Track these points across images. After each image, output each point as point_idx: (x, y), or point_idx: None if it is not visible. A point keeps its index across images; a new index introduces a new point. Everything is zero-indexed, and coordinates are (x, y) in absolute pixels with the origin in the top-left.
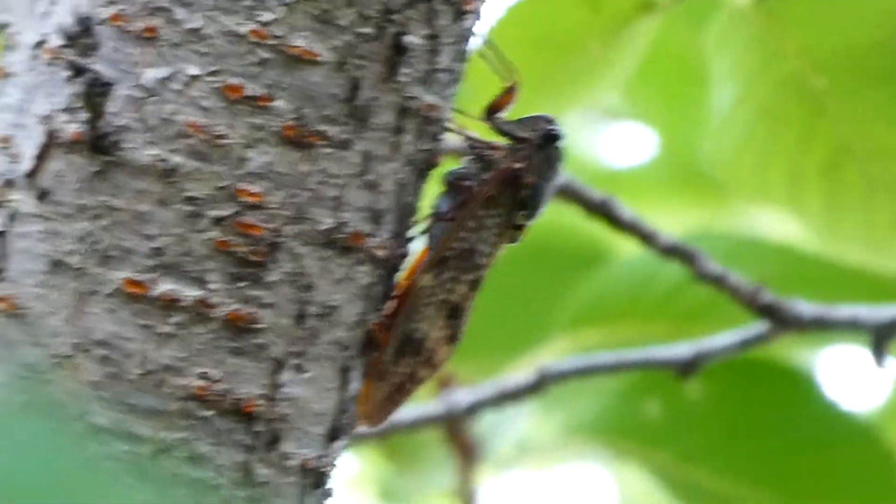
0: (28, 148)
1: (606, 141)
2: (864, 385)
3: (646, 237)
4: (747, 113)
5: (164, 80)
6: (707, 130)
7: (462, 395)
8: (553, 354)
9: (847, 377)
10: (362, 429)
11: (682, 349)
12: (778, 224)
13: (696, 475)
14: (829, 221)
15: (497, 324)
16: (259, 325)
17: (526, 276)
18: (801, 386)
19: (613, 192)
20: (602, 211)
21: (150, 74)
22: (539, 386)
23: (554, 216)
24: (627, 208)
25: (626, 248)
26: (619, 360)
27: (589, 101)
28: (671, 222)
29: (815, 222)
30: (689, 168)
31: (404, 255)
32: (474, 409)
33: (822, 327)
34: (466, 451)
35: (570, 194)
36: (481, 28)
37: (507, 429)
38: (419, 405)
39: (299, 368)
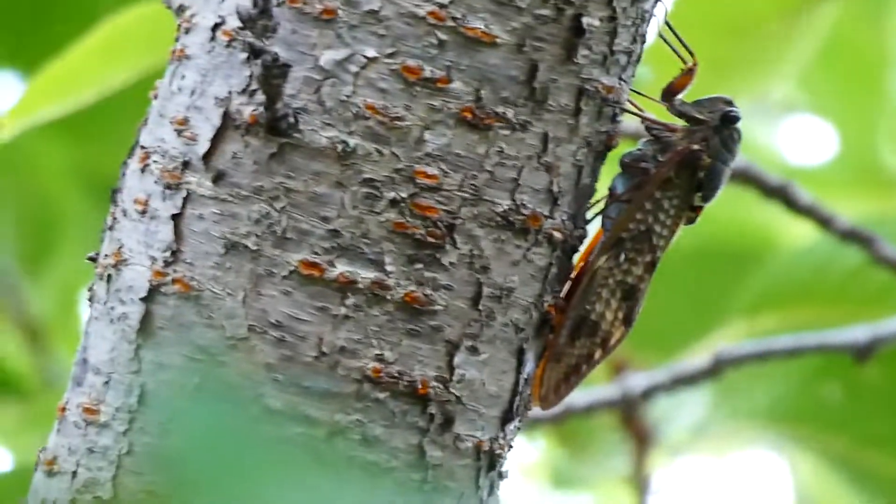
0: (204, 130)
1: (784, 135)
2: None
3: (823, 221)
4: None
5: (342, 62)
6: (886, 117)
7: (637, 380)
8: (730, 339)
9: None
10: (537, 411)
11: (858, 333)
12: None
13: (874, 461)
14: None
15: (674, 309)
16: (435, 307)
17: (703, 262)
18: None
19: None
20: (780, 195)
21: (328, 56)
22: (715, 371)
23: (732, 200)
24: (805, 192)
25: (801, 236)
26: (795, 344)
27: (767, 86)
28: (849, 215)
29: None
30: (868, 161)
31: (582, 237)
32: (649, 393)
33: None
34: (641, 437)
35: (749, 178)
36: (660, 9)
37: (681, 414)
38: (594, 389)
39: (474, 350)
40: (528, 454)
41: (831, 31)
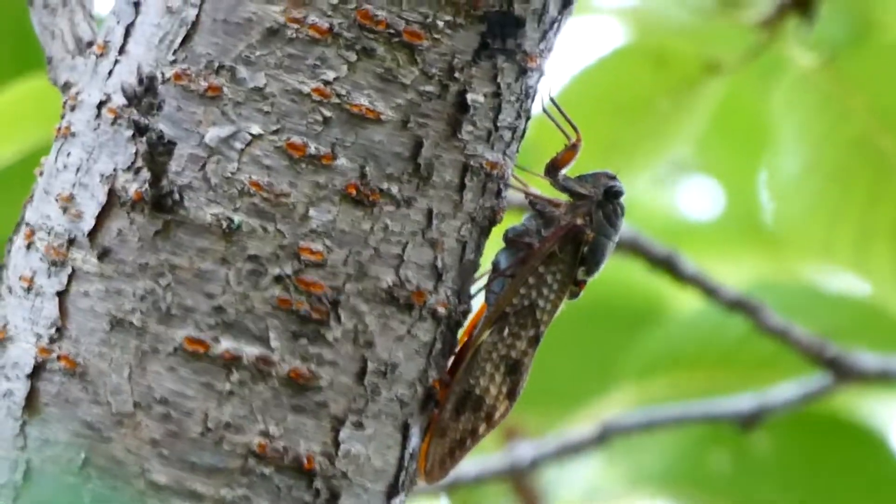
0: (90, 207)
1: (678, 193)
2: None
3: (709, 291)
4: (816, 178)
5: (227, 139)
6: (775, 192)
7: (525, 449)
8: (618, 405)
9: None
10: (422, 485)
11: (745, 402)
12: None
13: None
14: None
15: (562, 375)
16: (320, 383)
17: (591, 329)
18: (869, 441)
19: (682, 243)
20: (666, 265)
21: (213, 133)
22: (602, 439)
23: (619, 269)
24: (691, 263)
25: (691, 302)
26: (682, 413)
27: (658, 161)
28: (737, 273)
29: (884, 284)
30: (756, 221)
31: (466, 312)
32: (537, 462)
33: (886, 379)
34: (532, 502)
35: (635, 248)
36: (545, 85)
37: (573, 478)
38: (483, 459)
39: (359, 425)
40: None
41: (724, 98)
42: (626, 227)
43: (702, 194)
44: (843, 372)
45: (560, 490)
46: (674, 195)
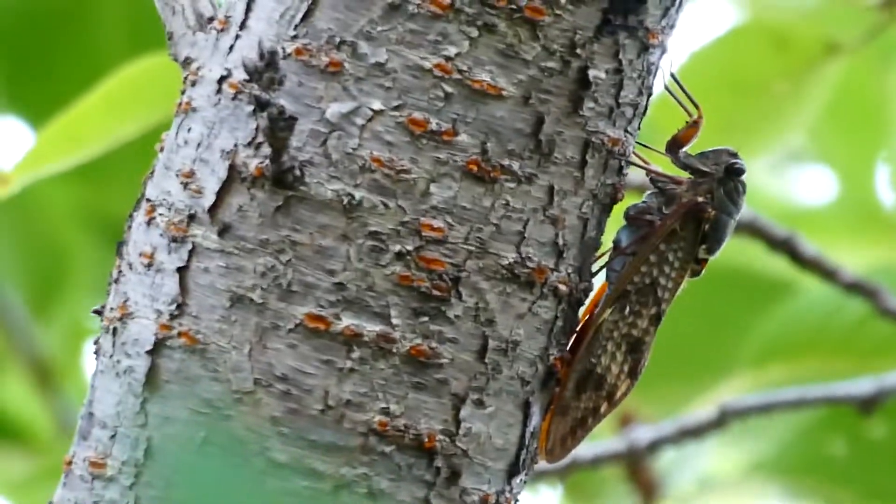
0: (210, 183)
1: (791, 182)
2: None
3: (828, 273)
4: None
5: (348, 115)
6: (891, 174)
7: (643, 432)
8: (736, 390)
9: None
10: (543, 464)
11: (864, 385)
12: None
13: None
14: None
15: (681, 358)
16: (440, 360)
17: (710, 311)
18: None
19: (797, 230)
20: (785, 247)
21: (334, 109)
22: (720, 423)
23: (738, 251)
24: (810, 245)
25: (811, 282)
26: (800, 396)
27: (776, 143)
28: (853, 260)
29: None
30: (871, 208)
31: (587, 290)
32: (655, 445)
33: None
34: (648, 488)
35: (755, 230)
36: (667, 62)
37: (689, 465)
38: (600, 442)
39: (480, 403)
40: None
41: (838, 84)
42: (744, 209)
43: (815, 183)
44: None
45: (676, 475)
46: (787, 184)
